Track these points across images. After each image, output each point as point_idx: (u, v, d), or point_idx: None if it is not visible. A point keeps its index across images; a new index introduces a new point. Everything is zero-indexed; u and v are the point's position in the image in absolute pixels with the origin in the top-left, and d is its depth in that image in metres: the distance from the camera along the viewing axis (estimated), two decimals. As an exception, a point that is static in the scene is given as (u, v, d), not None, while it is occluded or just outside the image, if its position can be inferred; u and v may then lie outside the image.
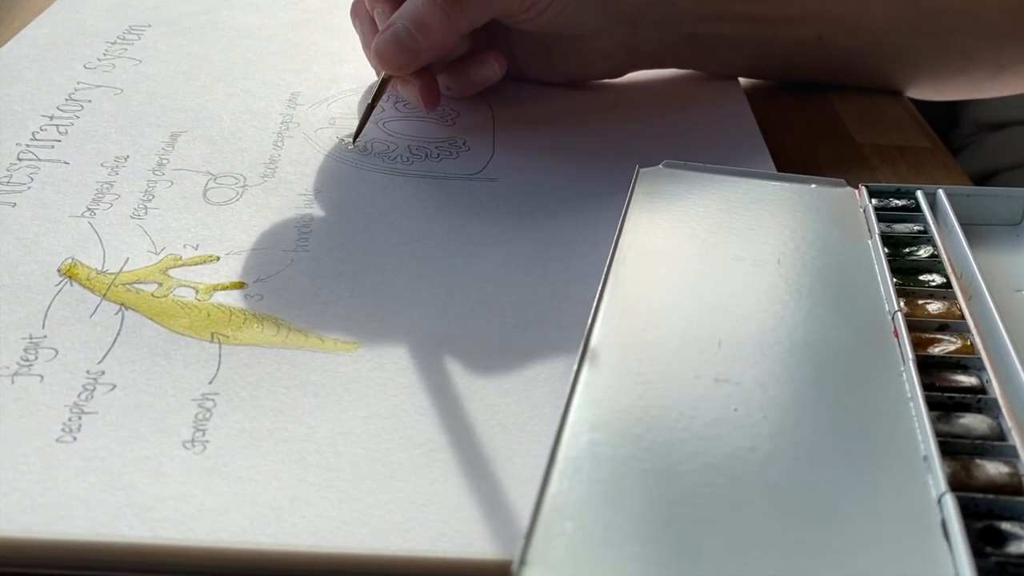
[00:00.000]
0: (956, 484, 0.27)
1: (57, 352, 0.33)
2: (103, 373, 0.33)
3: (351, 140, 0.48)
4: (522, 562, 0.23)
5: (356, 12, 0.52)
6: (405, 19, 0.46)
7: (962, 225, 0.38)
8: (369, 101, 0.48)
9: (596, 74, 0.55)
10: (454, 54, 0.51)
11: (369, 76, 0.55)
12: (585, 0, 0.50)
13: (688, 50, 0.54)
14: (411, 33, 0.46)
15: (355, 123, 0.49)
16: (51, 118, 0.49)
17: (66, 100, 0.51)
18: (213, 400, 0.32)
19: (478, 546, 0.27)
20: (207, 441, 0.30)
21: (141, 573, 0.27)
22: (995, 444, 0.28)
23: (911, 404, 0.30)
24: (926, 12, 0.54)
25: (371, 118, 0.49)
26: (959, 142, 0.86)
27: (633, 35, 0.52)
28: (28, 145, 0.46)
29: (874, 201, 0.40)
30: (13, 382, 0.32)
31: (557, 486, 0.26)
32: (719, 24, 0.53)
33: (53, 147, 0.46)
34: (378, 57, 0.47)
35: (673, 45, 0.53)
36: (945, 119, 0.86)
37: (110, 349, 0.34)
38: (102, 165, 0.45)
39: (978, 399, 0.30)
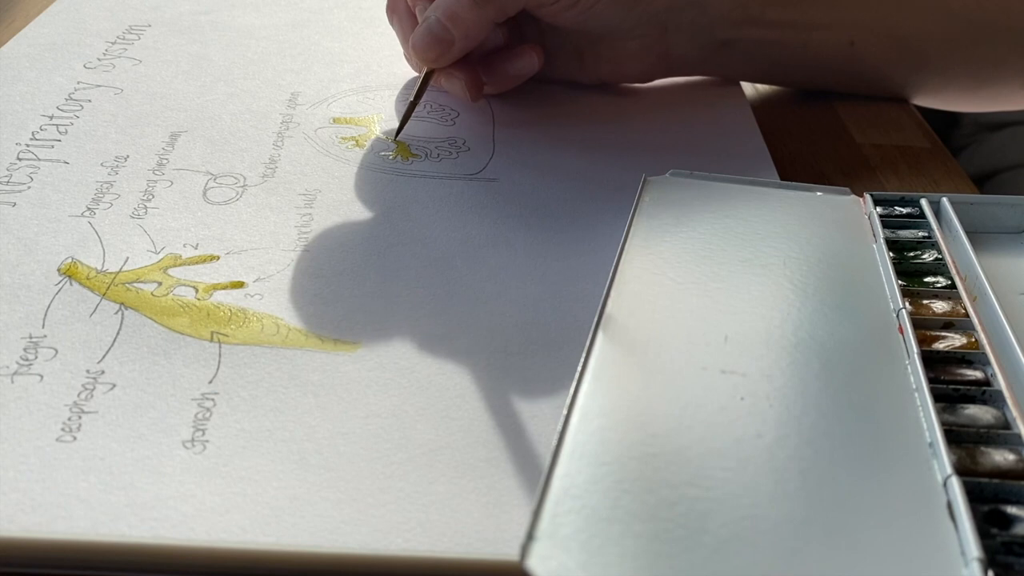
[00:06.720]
0: (962, 470, 0.27)
1: (57, 352, 0.33)
2: (103, 372, 0.33)
3: (392, 137, 0.48)
4: (530, 537, 0.24)
5: (394, 9, 0.52)
6: (437, 11, 0.47)
7: (966, 232, 0.38)
8: (411, 98, 0.48)
9: (626, 77, 0.55)
10: (489, 46, 0.51)
11: (370, 76, 0.55)
12: None
13: (720, 57, 0.53)
14: (443, 24, 0.47)
15: (353, 126, 0.49)
16: (51, 118, 0.49)
17: (66, 100, 0.51)
18: (213, 400, 0.32)
19: (478, 546, 0.27)
20: (207, 441, 0.30)
21: (141, 573, 0.27)
22: (1000, 433, 0.28)
23: (916, 395, 0.30)
24: (957, 19, 0.53)
25: (399, 114, 0.48)
26: (959, 142, 0.86)
27: (663, 39, 0.52)
28: (28, 145, 0.46)
29: (878, 209, 0.40)
30: (13, 382, 0.32)
31: (565, 467, 0.26)
32: (751, 29, 0.52)
33: (53, 147, 0.46)
34: (414, 50, 0.48)
35: (705, 51, 0.53)
36: (945, 119, 0.86)
37: (110, 348, 0.34)
38: (102, 165, 0.45)
39: (983, 391, 0.30)
